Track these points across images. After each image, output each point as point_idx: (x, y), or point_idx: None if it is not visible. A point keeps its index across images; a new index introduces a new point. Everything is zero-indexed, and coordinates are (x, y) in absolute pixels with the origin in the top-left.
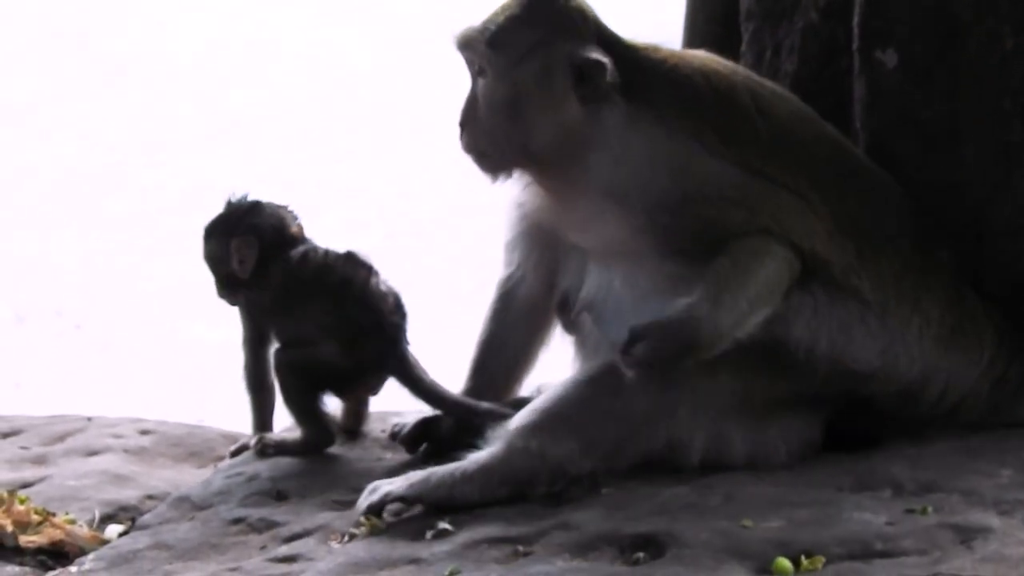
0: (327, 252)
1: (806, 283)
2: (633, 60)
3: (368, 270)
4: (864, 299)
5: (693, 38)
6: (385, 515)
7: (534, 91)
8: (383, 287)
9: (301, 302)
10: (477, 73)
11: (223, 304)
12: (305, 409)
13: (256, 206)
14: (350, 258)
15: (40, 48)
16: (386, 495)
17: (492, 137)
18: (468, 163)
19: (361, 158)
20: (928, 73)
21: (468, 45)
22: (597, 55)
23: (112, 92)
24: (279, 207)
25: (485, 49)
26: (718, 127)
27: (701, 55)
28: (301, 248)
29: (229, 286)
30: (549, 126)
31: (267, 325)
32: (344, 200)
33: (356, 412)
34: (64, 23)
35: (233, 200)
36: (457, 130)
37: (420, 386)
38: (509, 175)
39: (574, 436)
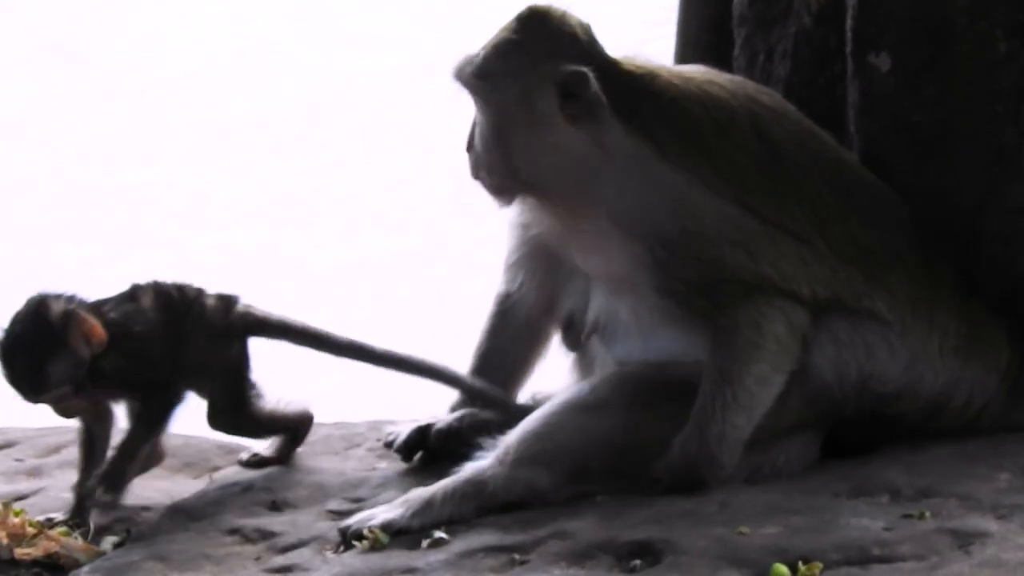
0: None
1: (823, 318)
2: (632, 88)
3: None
4: (883, 319)
5: (686, 44)
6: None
7: (516, 114)
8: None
9: (184, 336)
10: (474, 100)
11: None
12: (256, 420)
13: (41, 300)
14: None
15: (34, 61)
16: (386, 524)
17: (486, 164)
18: (468, 176)
19: (356, 166)
20: (921, 77)
21: (458, 75)
22: (576, 67)
23: (107, 103)
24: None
25: (471, 78)
26: (717, 163)
27: (700, 76)
28: (148, 287)
29: (93, 379)
30: (538, 149)
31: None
32: (339, 209)
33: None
34: (57, 36)
35: (11, 323)
36: (465, 154)
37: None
38: (512, 200)
39: (565, 462)
